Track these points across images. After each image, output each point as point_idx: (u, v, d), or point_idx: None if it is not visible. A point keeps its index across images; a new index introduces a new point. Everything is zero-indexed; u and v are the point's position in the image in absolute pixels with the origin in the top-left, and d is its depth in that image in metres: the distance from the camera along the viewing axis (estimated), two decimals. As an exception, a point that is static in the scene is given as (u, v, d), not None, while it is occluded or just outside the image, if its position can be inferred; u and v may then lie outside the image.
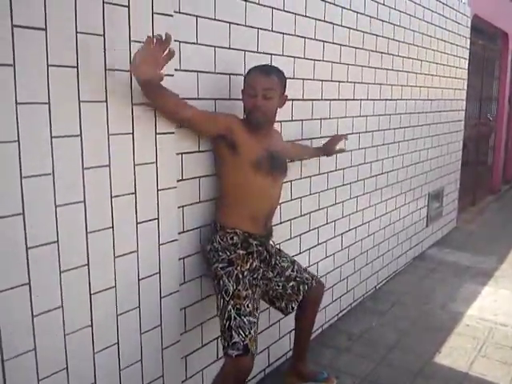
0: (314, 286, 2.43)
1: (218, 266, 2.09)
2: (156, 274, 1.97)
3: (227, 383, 1.98)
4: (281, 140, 2.43)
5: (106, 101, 1.70)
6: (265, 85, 2.09)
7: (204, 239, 2.21)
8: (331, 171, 3.12)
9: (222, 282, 2.06)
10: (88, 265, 1.71)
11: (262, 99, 2.09)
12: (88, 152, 1.65)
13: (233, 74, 2.26)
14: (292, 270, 2.36)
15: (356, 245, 3.54)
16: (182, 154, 2.04)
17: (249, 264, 2.14)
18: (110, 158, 1.73)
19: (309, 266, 2.97)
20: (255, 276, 2.15)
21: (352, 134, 3.30)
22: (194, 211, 2.15)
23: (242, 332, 1.95)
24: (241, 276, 2.08)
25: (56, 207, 1.58)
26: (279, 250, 2.43)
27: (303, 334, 2.55)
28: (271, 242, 2.33)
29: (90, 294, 1.73)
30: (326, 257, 3.18)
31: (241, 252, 2.13)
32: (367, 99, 3.45)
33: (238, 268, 2.09)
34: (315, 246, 3.04)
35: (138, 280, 1.90)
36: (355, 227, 3.50)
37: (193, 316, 2.22)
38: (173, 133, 1.96)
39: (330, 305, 3.27)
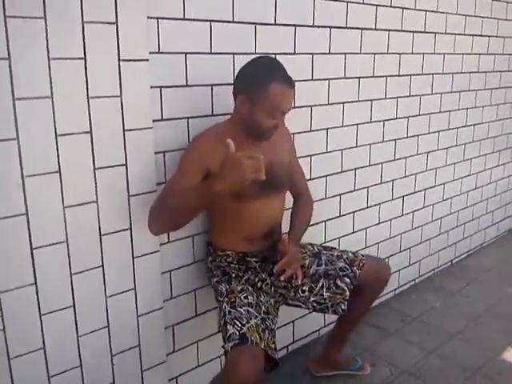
0: (362, 273, 1.88)
1: (214, 280, 1.86)
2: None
3: None
4: (285, 144, 1.88)
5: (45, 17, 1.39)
6: (291, 101, 1.65)
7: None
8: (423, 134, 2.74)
9: (218, 291, 1.81)
10: (67, 241, 1.49)
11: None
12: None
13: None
14: (317, 265, 1.90)
15: (424, 210, 2.99)
16: (160, 87, 1.68)
17: (248, 275, 1.83)
18: (51, 88, 1.42)
19: (354, 232, 2.53)
20: (263, 283, 1.84)
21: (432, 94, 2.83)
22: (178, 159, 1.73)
23: (237, 322, 1.61)
24: (234, 276, 1.82)
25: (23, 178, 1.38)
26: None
27: (350, 320, 2.04)
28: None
29: (71, 275, 1.52)
30: (379, 223, 2.70)
31: (238, 266, 1.83)
32: (453, 53, 2.89)
33: (233, 275, 1.82)
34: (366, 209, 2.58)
35: (133, 258, 1.67)
36: (424, 189, 2.95)
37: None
38: (146, 60, 1.60)
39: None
